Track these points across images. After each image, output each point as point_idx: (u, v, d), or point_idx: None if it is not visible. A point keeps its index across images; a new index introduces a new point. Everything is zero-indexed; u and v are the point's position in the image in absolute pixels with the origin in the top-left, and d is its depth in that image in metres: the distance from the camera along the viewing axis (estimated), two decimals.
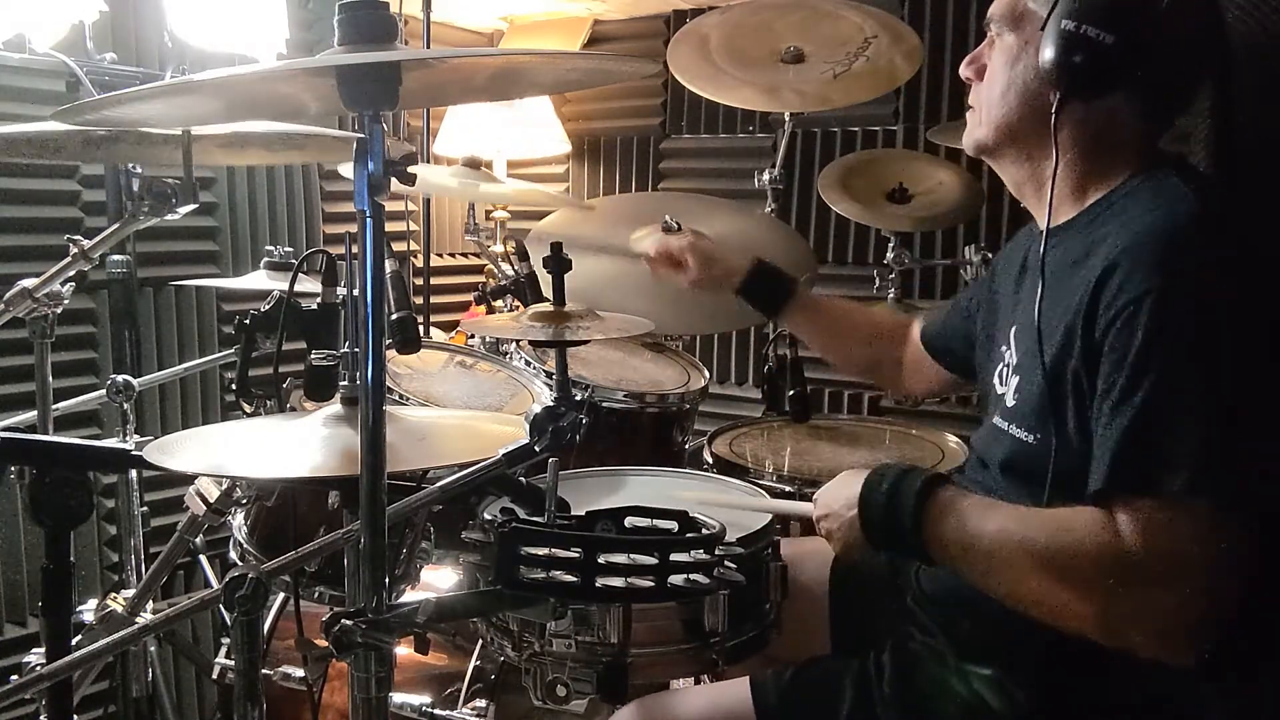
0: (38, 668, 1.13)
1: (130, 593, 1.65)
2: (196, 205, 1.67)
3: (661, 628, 1.19)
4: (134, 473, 1.98)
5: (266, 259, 1.86)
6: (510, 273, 2.13)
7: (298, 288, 1.39)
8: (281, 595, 1.65)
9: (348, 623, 0.93)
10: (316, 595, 1.41)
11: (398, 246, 3.01)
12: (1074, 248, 1.18)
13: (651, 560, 0.95)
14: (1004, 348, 1.32)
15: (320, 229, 2.84)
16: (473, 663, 1.57)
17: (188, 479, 1.59)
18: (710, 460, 1.97)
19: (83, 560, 2.30)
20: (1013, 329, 1.31)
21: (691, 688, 1.46)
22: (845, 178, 2.39)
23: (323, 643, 0.95)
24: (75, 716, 1.27)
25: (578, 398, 1.77)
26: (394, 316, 1.24)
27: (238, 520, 1.53)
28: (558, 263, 1.65)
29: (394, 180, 0.91)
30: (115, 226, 1.66)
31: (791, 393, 2.14)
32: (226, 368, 2.41)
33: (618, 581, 0.95)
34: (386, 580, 0.97)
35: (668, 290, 1.82)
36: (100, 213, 2.29)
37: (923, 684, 1.24)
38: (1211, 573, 0.99)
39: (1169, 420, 1.01)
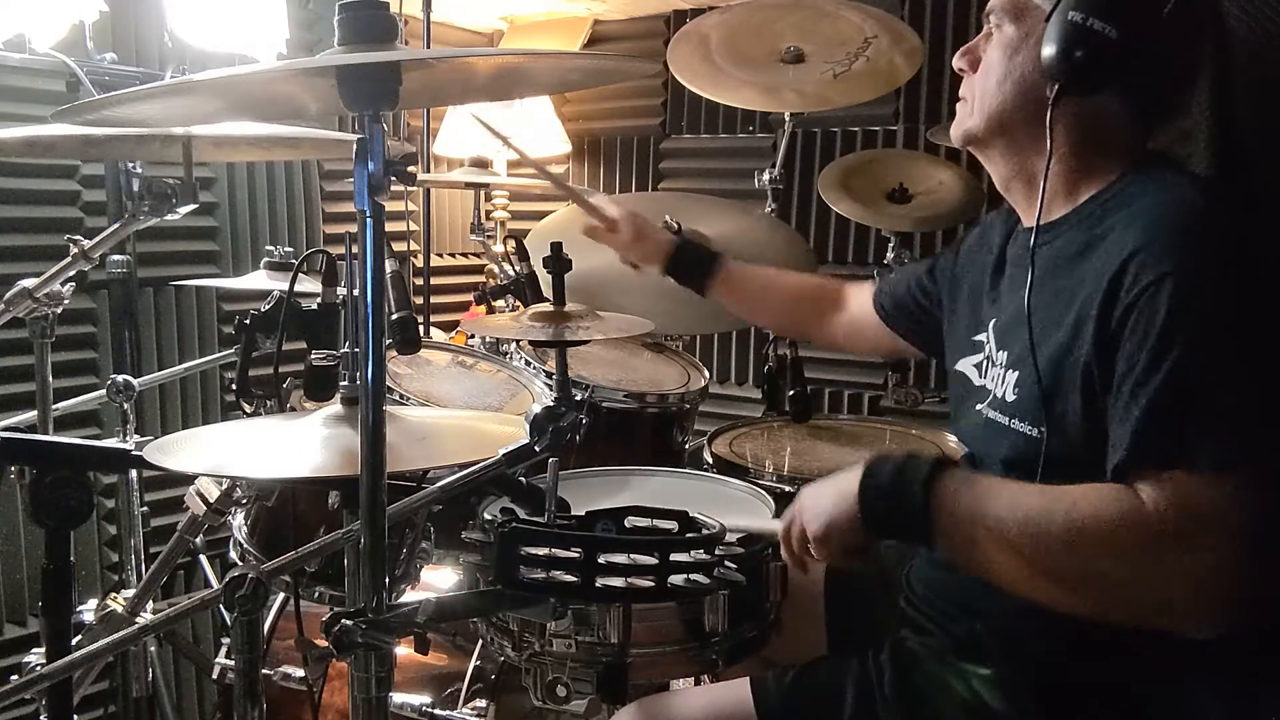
0: (38, 668, 1.14)
1: (130, 593, 1.65)
2: (196, 205, 1.67)
3: (661, 628, 1.19)
4: (134, 473, 1.98)
5: (266, 259, 1.86)
6: (510, 273, 2.13)
7: (298, 288, 1.40)
8: (281, 595, 1.65)
9: (348, 623, 0.93)
10: (316, 595, 1.41)
11: (398, 246, 3.01)
12: (1072, 242, 1.18)
13: (651, 560, 0.95)
14: (982, 338, 1.32)
15: (320, 229, 2.84)
16: (473, 663, 1.57)
17: (188, 479, 1.59)
18: (710, 460, 1.96)
19: (83, 560, 2.30)
20: (993, 322, 1.31)
21: (692, 688, 1.47)
22: (845, 178, 2.39)
23: (323, 643, 0.95)
24: (75, 716, 1.27)
25: (578, 398, 1.77)
26: (394, 316, 1.24)
27: (238, 520, 1.53)
28: (558, 263, 1.66)
29: (394, 180, 0.91)
30: (115, 226, 1.67)
31: (791, 393, 2.14)
32: (226, 368, 2.41)
33: (618, 581, 0.95)
34: (386, 580, 0.97)
35: (668, 290, 1.82)
36: (100, 213, 2.29)
37: (922, 684, 1.24)
38: (1241, 538, 0.99)
39: (1194, 391, 1.01)
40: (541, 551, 0.96)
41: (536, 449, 1.19)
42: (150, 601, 1.67)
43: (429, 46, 2.72)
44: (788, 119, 2.35)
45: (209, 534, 1.77)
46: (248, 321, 1.45)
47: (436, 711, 1.53)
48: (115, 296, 2.33)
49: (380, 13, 0.91)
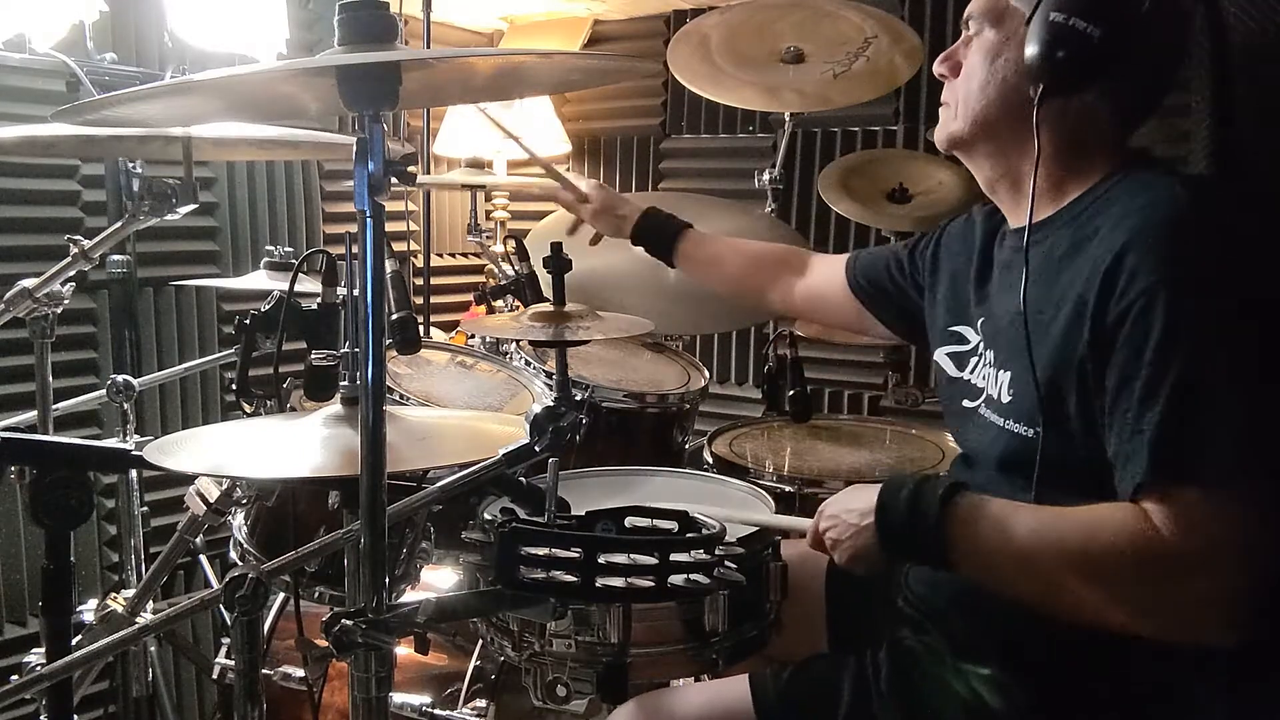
0: (38, 668, 1.13)
1: (130, 593, 1.64)
2: (196, 205, 1.67)
3: (661, 628, 1.19)
4: (134, 473, 1.98)
5: (266, 259, 1.86)
6: (510, 273, 2.13)
7: (298, 288, 1.39)
8: (281, 595, 1.65)
9: (348, 623, 0.93)
10: (316, 595, 1.41)
11: (398, 246, 3.01)
12: (1060, 242, 1.18)
13: (651, 560, 0.95)
14: (962, 330, 1.33)
15: (320, 229, 2.84)
16: (473, 663, 1.57)
17: (188, 479, 1.59)
18: (710, 460, 1.97)
19: (83, 560, 2.30)
20: (981, 321, 1.31)
21: (691, 686, 1.46)
22: (845, 178, 2.39)
23: (323, 643, 0.95)
24: (75, 716, 1.27)
25: (578, 398, 1.77)
26: (394, 316, 1.24)
27: (238, 520, 1.53)
28: (558, 263, 1.66)
29: (394, 180, 0.91)
30: (115, 226, 1.67)
31: (791, 393, 2.14)
32: (226, 368, 2.41)
33: (618, 581, 0.95)
34: (386, 580, 0.97)
35: (668, 290, 1.83)
36: (100, 213, 2.29)
37: (920, 682, 1.24)
38: (1252, 555, 0.99)
39: (1197, 409, 1.02)
40: (541, 551, 0.96)
41: (536, 449, 1.19)
42: (150, 601, 1.67)
43: (429, 46, 2.72)
44: (788, 119, 2.35)
45: (209, 534, 1.77)
46: (248, 321, 1.45)
47: (436, 711, 1.53)
48: (115, 296, 2.33)
49: (380, 13, 0.91)
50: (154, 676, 2.04)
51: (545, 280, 1.79)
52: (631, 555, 0.95)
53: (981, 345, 1.31)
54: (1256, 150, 1.43)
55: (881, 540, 1.17)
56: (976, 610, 1.20)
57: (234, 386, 1.46)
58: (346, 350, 1.14)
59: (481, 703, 1.54)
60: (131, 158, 1.87)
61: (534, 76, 1.13)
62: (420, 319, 2.31)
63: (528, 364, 1.96)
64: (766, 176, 2.38)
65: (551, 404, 1.21)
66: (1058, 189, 1.22)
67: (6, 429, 1.42)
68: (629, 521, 1.03)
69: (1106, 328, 1.07)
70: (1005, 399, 1.22)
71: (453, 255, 3.38)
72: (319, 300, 1.42)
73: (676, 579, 0.96)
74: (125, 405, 1.90)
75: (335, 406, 1.19)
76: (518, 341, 1.98)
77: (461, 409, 1.81)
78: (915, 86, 2.71)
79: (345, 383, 1.16)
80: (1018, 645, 1.17)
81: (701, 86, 2.27)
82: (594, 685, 1.15)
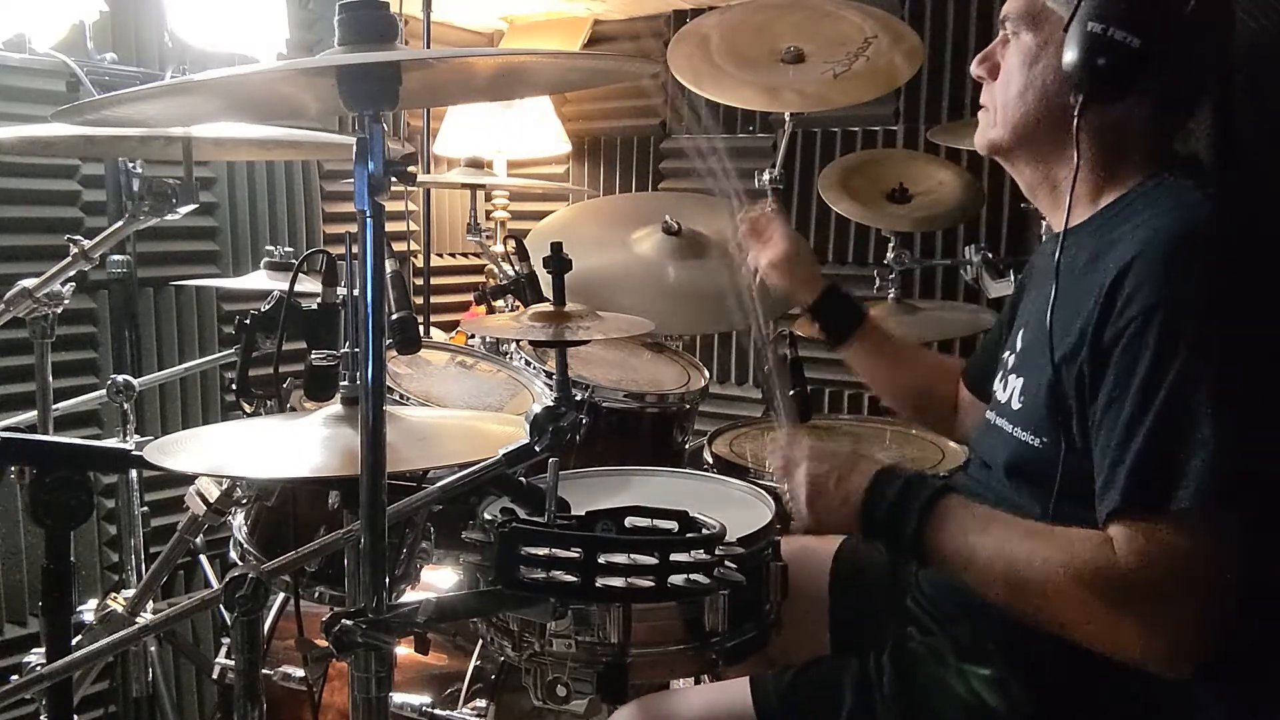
0: (38, 668, 1.13)
1: (130, 593, 1.65)
2: (196, 205, 1.67)
3: (661, 628, 1.19)
4: (134, 473, 1.99)
5: (266, 259, 1.86)
6: (510, 273, 2.13)
7: (298, 288, 1.39)
8: (281, 595, 1.65)
9: (348, 623, 0.93)
10: (316, 595, 1.41)
11: (398, 246, 3.01)
12: (1086, 250, 1.18)
13: (651, 560, 0.95)
14: (1006, 351, 1.31)
15: (320, 229, 2.84)
16: (473, 663, 1.57)
17: (188, 479, 1.59)
18: (710, 460, 1.96)
19: (83, 560, 2.30)
20: (1018, 333, 1.30)
21: (691, 687, 1.46)
22: (845, 178, 2.39)
23: (323, 643, 0.95)
24: (75, 716, 1.27)
25: (578, 398, 1.77)
26: (394, 316, 1.24)
27: (238, 520, 1.53)
28: (558, 263, 1.66)
29: (394, 180, 0.91)
30: (115, 226, 1.67)
31: (791, 393, 2.14)
32: (226, 368, 2.41)
33: (618, 581, 0.95)
34: (386, 580, 0.97)
35: (668, 290, 1.82)
36: (100, 213, 2.29)
37: (922, 684, 1.24)
38: (1215, 588, 1.00)
39: (1179, 443, 1.01)
40: (541, 551, 0.96)
41: (536, 449, 1.19)
42: (150, 601, 1.67)
43: (429, 46, 2.72)
44: (788, 119, 2.35)
45: (209, 534, 1.77)
46: (248, 321, 1.45)
47: (436, 711, 1.53)
48: (115, 296, 2.33)
49: (380, 13, 0.91)
50: (154, 676, 2.04)
51: (545, 280, 1.79)
52: (631, 555, 0.95)
53: (1008, 353, 1.30)
54: (1256, 150, 1.42)
55: (863, 526, 1.18)
56: (985, 612, 1.20)
57: (234, 386, 1.46)
58: (346, 350, 1.14)
59: (481, 703, 1.54)
60: (131, 158, 1.88)
61: (534, 76, 1.13)
62: (420, 319, 2.31)
63: (528, 364, 1.96)
64: (766, 176, 2.38)
65: (551, 404, 1.21)
66: (1095, 194, 1.22)
67: (6, 429, 1.43)
68: (629, 521, 1.03)
69: (1103, 347, 1.07)
70: (1015, 406, 1.22)
71: (453, 255, 3.38)
72: (319, 300, 1.42)
73: (676, 579, 0.96)
74: (125, 405, 1.90)
75: (335, 406, 1.19)
76: (518, 341, 1.98)
77: (461, 409, 1.81)
78: (915, 86, 2.71)
79: (345, 383, 1.16)
80: (1022, 646, 1.17)
81: (701, 86, 2.26)
82: (594, 685, 1.15)
